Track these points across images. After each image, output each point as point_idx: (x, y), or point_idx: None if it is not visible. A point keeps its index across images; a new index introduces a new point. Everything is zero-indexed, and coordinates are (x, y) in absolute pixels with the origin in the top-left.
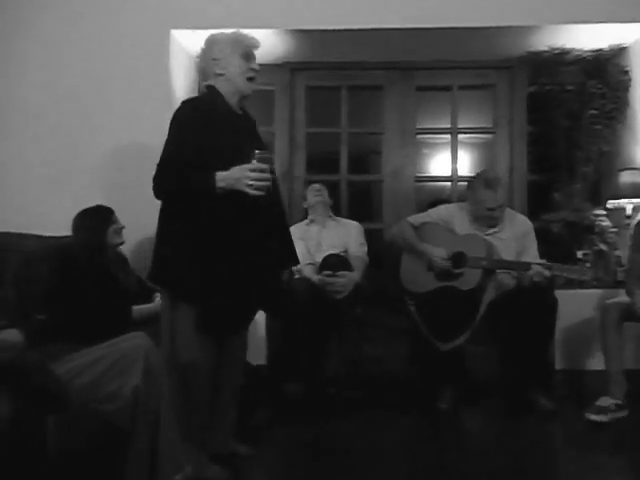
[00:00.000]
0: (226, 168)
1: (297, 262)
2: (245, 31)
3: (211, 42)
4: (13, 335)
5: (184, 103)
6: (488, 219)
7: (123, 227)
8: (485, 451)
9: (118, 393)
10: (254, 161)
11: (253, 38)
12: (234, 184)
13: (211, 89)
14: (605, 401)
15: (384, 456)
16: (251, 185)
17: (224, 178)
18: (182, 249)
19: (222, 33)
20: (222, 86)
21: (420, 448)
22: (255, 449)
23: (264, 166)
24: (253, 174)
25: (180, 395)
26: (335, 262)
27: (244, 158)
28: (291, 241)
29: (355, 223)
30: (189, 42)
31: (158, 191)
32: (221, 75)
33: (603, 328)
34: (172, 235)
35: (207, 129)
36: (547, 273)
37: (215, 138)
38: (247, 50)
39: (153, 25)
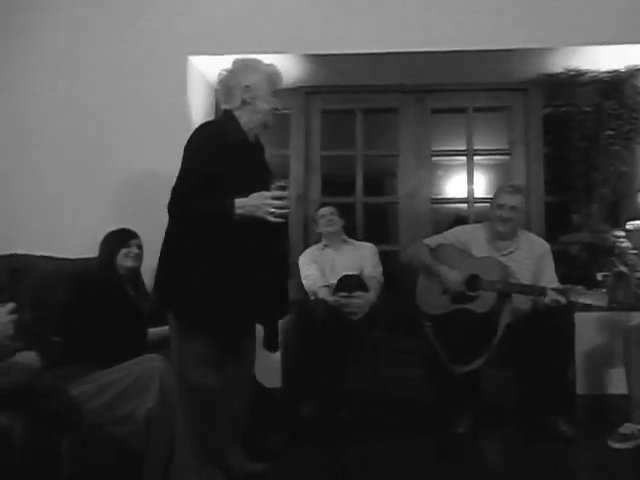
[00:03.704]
0: (237, 196)
1: (286, 314)
2: (265, 57)
3: (247, 68)
4: (29, 357)
5: (199, 128)
6: (500, 221)
7: (137, 252)
8: (502, 478)
9: (132, 415)
10: (274, 189)
11: (282, 78)
12: (254, 211)
13: (227, 114)
14: (628, 428)
15: None
16: (272, 212)
17: (243, 205)
18: (192, 275)
19: (258, 61)
20: (245, 113)
21: (436, 473)
22: (269, 470)
23: (284, 193)
24: (274, 202)
25: (193, 416)
26: (351, 283)
27: (254, 186)
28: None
29: (369, 245)
30: (206, 68)
31: (174, 217)
32: (248, 104)
33: (627, 351)
34: (181, 260)
35: (219, 156)
36: (563, 299)
37: (227, 165)
38: (277, 89)
39: (171, 51)
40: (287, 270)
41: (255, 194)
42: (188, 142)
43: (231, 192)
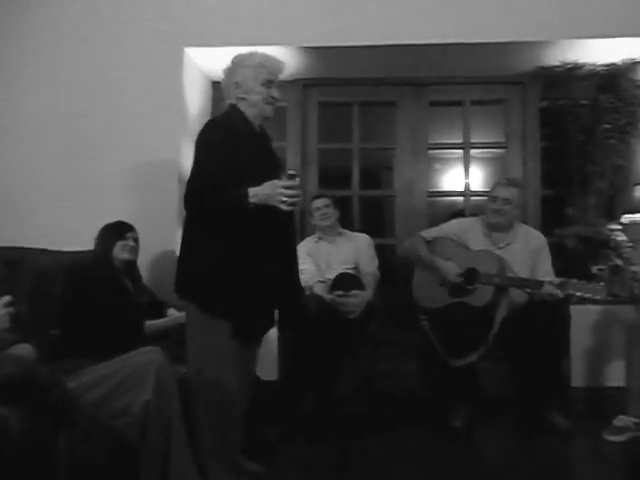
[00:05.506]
0: (251, 185)
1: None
2: (261, 49)
3: (236, 65)
4: (26, 350)
5: (209, 123)
6: (492, 213)
7: (133, 244)
8: (499, 471)
9: (128, 408)
10: (285, 178)
11: (278, 63)
12: (267, 199)
13: (233, 108)
14: (622, 420)
15: (397, 475)
16: (285, 201)
17: (256, 194)
18: (212, 264)
19: (249, 55)
20: (244, 107)
21: (433, 467)
22: (266, 466)
23: (296, 183)
24: (286, 191)
25: (208, 412)
26: (347, 281)
27: (267, 175)
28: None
29: (364, 236)
30: (203, 59)
31: (191, 208)
32: (243, 99)
33: (629, 345)
34: (201, 250)
35: (232, 148)
36: (559, 292)
37: (240, 156)
38: (269, 77)
39: (167, 43)
40: (296, 256)
41: (268, 183)
42: (200, 137)
43: (245, 182)
